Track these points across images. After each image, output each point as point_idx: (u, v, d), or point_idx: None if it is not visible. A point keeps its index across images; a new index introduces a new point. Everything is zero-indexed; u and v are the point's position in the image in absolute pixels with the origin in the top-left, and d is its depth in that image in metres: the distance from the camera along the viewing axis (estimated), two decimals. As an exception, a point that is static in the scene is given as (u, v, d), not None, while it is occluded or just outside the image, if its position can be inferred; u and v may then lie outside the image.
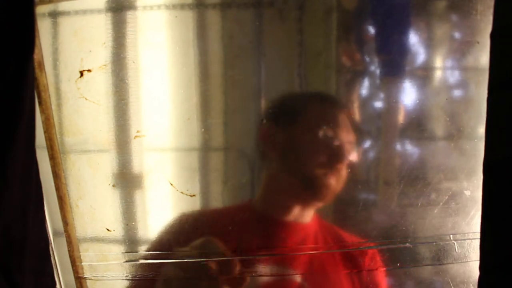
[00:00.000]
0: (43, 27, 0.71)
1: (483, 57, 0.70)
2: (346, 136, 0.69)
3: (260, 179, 0.72)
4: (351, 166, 0.70)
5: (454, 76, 0.72)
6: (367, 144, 0.72)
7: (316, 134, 0.68)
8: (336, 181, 0.70)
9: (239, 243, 0.71)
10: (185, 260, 0.74)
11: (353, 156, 0.70)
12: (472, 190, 0.73)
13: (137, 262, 0.75)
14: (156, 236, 0.73)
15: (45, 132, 0.73)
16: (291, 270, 0.72)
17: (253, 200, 0.72)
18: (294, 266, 0.72)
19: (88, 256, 0.76)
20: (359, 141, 0.70)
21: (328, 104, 0.70)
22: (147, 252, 0.75)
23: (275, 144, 0.70)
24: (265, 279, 0.72)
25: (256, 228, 0.72)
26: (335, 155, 0.69)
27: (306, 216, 0.73)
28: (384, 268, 0.73)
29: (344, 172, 0.70)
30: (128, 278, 0.76)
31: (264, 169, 0.72)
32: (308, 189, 0.72)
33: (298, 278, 0.73)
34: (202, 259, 0.73)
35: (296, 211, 0.72)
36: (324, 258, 0.73)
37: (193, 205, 0.72)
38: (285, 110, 0.69)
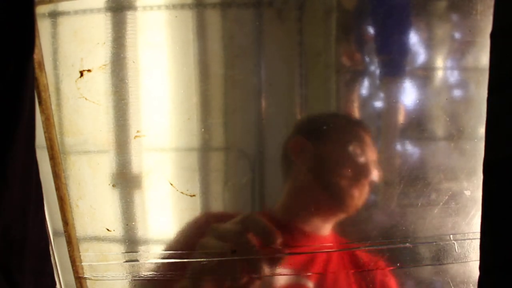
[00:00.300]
0: (43, 27, 0.71)
1: (483, 57, 0.70)
2: (371, 155, 0.72)
3: (262, 181, 0.73)
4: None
5: (454, 76, 0.72)
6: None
7: (344, 151, 0.71)
8: (359, 195, 0.73)
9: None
10: (185, 260, 0.74)
11: (376, 174, 0.72)
12: (472, 190, 0.73)
13: (137, 262, 0.75)
14: (177, 237, 0.74)
15: (45, 132, 0.73)
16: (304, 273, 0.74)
17: (275, 208, 0.73)
18: (307, 270, 0.74)
19: (88, 256, 0.76)
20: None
21: (356, 124, 0.72)
22: (149, 252, 0.75)
23: (304, 157, 0.72)
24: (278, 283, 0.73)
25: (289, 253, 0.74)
26: (361, 171, 0.72)
27: (325, 228, 0.74)
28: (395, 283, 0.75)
29: (367, 187, 0.72)
30: (128, 278, 0.76)
31: (291, 180, 0.73)
32: (333, 201, 0.73)
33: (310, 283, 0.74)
34: (203, 259, 0.73)
35: (317, 222, 0.74)
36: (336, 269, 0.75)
37: (193, 205, 0.72)
38: (316, 127, 0.71)
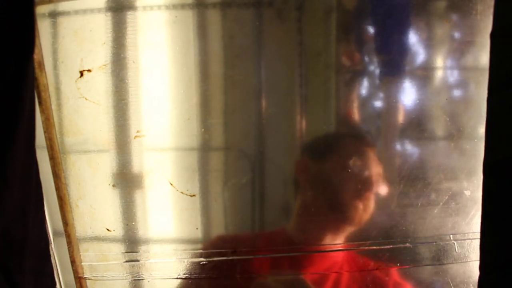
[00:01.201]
0: (43, 27, 0.71)
1: (483, 57, 0.70)
2: (374, 170, 0.73)
3: (262, 181, 0.73)
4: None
5: (454, 76, 0.72)
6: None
7: (347, 168, 0.72)
8: (363, 210, 0.73)
9: (272, 265, 0.75)
10: (186, 259, 0.74)
11: (380, 188, 0.73)
12: (472, 190, 0.73)
13: (137, 262, 0.75)
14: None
15: (45, 132, 0.73)
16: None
17: (287, 226, 0.74)
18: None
19: (88, 256, 0.76)
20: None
21: (358, 141, 0.73)
22: (149, 252, 0.75)
23: (310, 176, 0.73)
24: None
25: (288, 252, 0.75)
26: (364, 188, 0.73)
27: (335, 242, 0.75)
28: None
29: (372, 202, 0.73)
30: (128, 278, 0.76)
31: (298, 199, 0.74)
32: (339, 217, 0.74)
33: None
34: (202, 259, 0.73)
35: (326, 238, 0.74)
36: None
37: (193, 205, 0.72)
38: (320, 146, 0.73)
